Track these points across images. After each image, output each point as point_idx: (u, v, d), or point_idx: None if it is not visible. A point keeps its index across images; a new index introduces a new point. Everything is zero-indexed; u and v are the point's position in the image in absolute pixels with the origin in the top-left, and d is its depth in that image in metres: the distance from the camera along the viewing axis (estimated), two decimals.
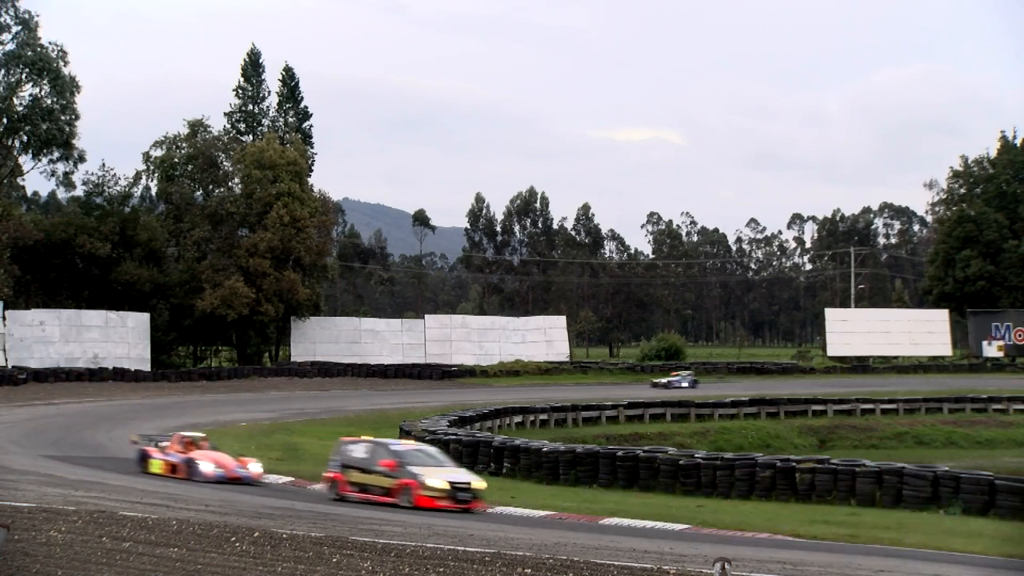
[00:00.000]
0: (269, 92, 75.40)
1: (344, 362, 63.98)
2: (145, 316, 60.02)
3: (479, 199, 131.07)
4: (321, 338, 66.75)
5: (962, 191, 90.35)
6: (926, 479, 22.24)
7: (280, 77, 77.05)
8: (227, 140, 69.55)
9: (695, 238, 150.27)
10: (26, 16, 61.78)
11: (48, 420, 35.59)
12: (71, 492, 18.26)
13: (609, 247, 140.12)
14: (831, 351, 75.22)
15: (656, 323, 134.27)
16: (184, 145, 67.70)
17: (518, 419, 38.55)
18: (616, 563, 12.47)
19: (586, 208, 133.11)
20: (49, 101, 62.04)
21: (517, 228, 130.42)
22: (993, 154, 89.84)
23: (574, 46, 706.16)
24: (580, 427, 39.73)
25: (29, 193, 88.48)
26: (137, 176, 69.00)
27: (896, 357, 74.81)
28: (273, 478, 23.59)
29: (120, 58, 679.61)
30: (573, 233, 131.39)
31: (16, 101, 61.96)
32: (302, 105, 77.18)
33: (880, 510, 21.79)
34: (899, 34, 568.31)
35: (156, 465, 23.11)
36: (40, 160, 64.14)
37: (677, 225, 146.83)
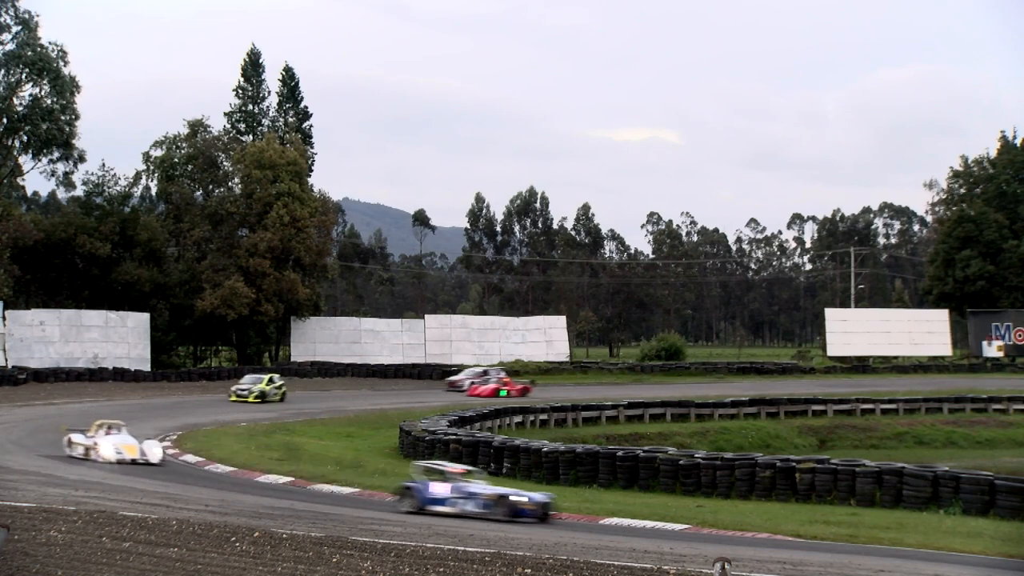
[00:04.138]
0: (269, 92, 75.44)
1: (344, 362, 63.97)
2: (145, 316, 59.99)
3: (479, 199, 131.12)
4: (321, 338, 66.74)
5: (962, 191, 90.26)
6: (926, 479, 22.24)
7: (280, 77, 77.09)
8: (227, 140, 69.53)
9: (695, 238, 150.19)
10: (26, 16, 61.78)
11: (48, 420, 35.52)
12: (71, 492, 18.26)
13: (609, 247, 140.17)
14: (831, 351, 75.19)
15: (656, 323, 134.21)
16: (184, 145, 67.69)
17: (518, 419, 38.54)
18: (616, 563, 12.49)
19: (586, 208, 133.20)
20: (49, 101, 62.00)
21: (517, 228, 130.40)
22: (993, 154, 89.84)
23: (574, 46, 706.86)
24: (580, 427, 39.70)
25: (29, 193, 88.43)
26: (137, 176, 69.02)
27: (896, 357, 74.78)
28: (273, 478, 23.59)
29: (120, 58, 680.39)
30: (573, 233, 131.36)
31: (16, 101, 61.93)
32: (302, 105, 77.19)
33: (880, 510, 21.79)
34: (898, 34, 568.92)
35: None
36: (40, 160, 64.13)
37: (677, 225, 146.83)
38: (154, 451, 25.13)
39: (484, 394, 49.21)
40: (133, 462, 24.42)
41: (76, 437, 25.78)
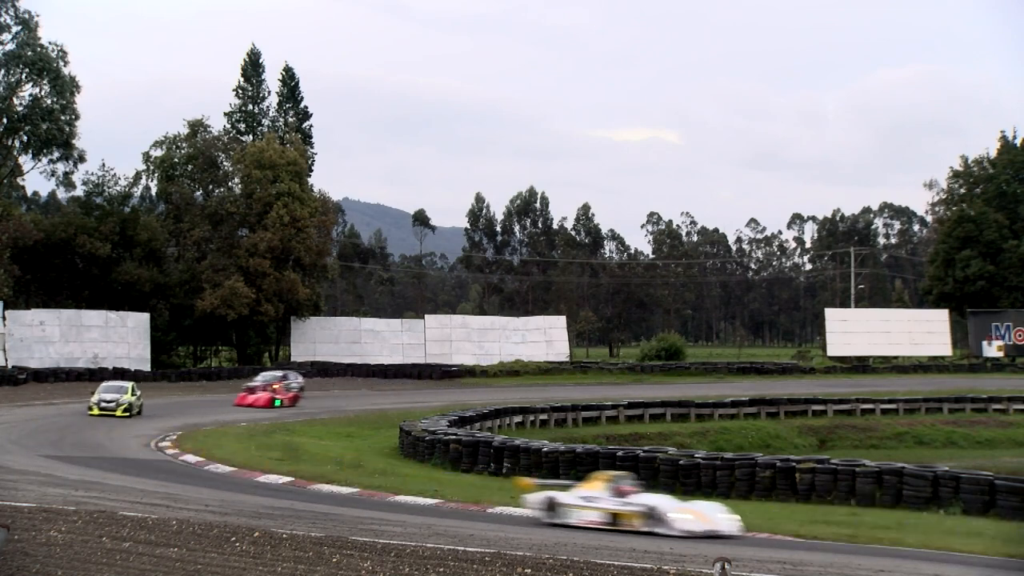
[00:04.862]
0: (269, 92, 75.49)
1: (344, 362, 63.98)
2: (145, 316, 60.00)
3: (479, 199, 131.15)
4: (321, 338, 66.75)
5: (962, 191, 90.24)
6: (926, 479, 22.24)
7: (280, 77, 77.12)
8: (227, 140, 69.55)
9: (695, 238, 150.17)
10: (26, 16, 61.79)
11: (48, 420, 35.57)
12: (71, 492, 18.25)
13: (609, 247, 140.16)
14: (831, 351, 75.16)
15: (656, 323, 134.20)
16: (184, 145, 67.72)
17: (518, 419, 38.53)
18: (616, 563, 12.48)
19: (586, 208, 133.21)
20: (49, 101, 62.01)
21: (517, 228, 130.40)
22: (993, 154, 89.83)
23: (574, 46, 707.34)
24: (580, 427, 39.70)
25: (29, 193, 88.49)
26: (137, 176, 69.09)
27: (896, 357, 74.73)
28: (273, 478, 23.60)
29: (120, 58, 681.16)
30: (573, 233, 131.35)
31: (16, 101, 61.93)
32: (302, 105, 77.22)
33: (880, 510, 21.80)
34: (898, 34, 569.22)
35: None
36: (40, 160, 64.15)
37: (677, 225, 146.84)
38: (724, 518, 17.41)
39: (258, 404, 42.58)
40: (717, 535, 16.88)
41: (566, 497, 18.26)
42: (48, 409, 39.96)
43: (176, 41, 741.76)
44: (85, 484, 19.90)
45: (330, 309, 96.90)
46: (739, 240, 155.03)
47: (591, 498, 18.07)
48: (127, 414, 37.42)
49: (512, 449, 26.80)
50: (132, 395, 38.52)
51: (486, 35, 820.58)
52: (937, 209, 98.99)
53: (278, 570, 12.47)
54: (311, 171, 72.27)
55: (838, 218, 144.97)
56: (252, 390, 44.47)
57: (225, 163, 67.67)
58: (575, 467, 25.51)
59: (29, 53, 60.79)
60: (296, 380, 47.58)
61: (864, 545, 16.47)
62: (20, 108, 61.90)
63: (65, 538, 13.70)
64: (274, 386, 44.50)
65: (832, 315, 78.93)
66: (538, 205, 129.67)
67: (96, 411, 37.35)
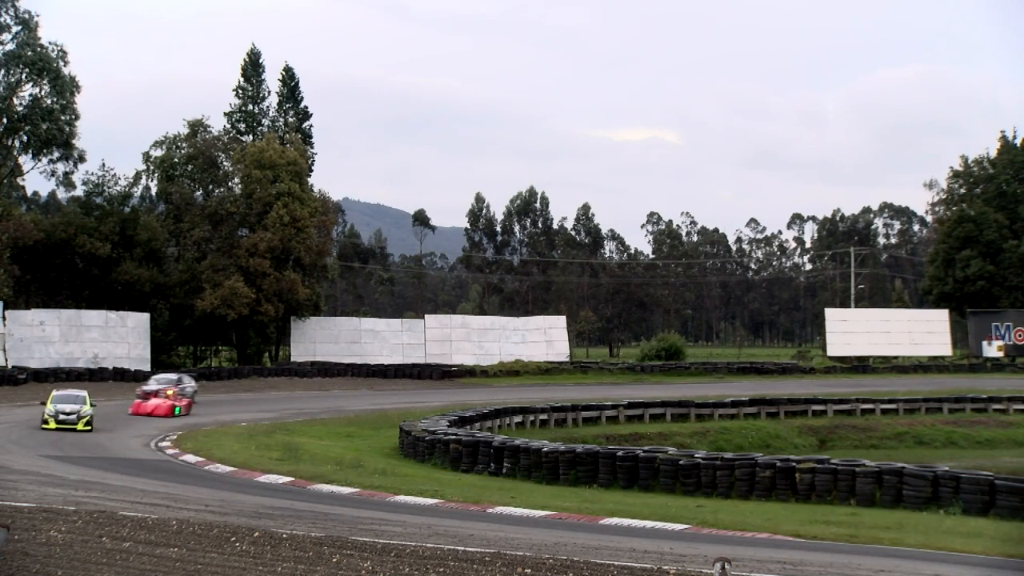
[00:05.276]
0: (269, 92, 75.39)
1: (344, 362, 63.96)
2: (145, 316, 59.97)
3: (479, 199, 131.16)
4: (321, 338, 66.72)
5: (962, 191, 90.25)
6: (926, 479, 22.24)
7: (280, 77, 77.04)
8: (227, 140, 69.50)
9: (695, 238, 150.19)
10: (26, 16, 61.77)
11: None
12: (71, 492, 18.26)
13: (609, 247, 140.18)
14: (831, 351, 75.16)
15: (656, 323, 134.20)
16: (184, 145, 67.67)
17: (518, 419, 38.54)
18: (616, 563, 12.49)
19: (586, 208, 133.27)
20: (49, 101, 61.98)
21: (517, 228, 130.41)
22: (993, 154, 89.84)
23: (574, 46, 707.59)
24: (580, 427, 39.71)
25: (29, 193, 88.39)
26: (137, 176, 69.01)
27: (896, 357, 74.73)
28: (273, 478, 23.60)
29: (120, 58, 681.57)
30: (573, 233, 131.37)
31: (16, 101, 61.89)
32: (302, 105, 77.15)
33: (880, 510, 21.80)
34: (898, 34, 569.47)
35: None
36: (40, 160, 64.11)
37: (677, 225, 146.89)
38: None
39: (158, 413, 38.39)
40: None
41: None
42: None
43: (176, 41, 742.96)
44: (85, 484, 19.90)
45: (330, 309, 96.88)
46: (739, 240, 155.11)
47: None
48: (88, 428, 33.25)
49: (512, 449, 26.81)
50: (89, 406, 34.14)
51: (486, 35, 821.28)
52: (937, 209, 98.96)
53: (278, 570, 12.47)
54: (311, 171, 72.25)
55: (838, 218, 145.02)
56: (147, 396, 40.39)
57: (225, 163, 67.63)
58: (575, 467, 25.55)
59: (29, 53, 60.76)
60: (190, 384, 44.37)
61: (864, 545, 16.46)
62: (20, 108, 61.87)
63: (65, 538, 13.71)
64: (168, 392, 40.51)
65: (832, 315, 78.90)
66: (538, 205, 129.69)
67: (53, 424, 32.98)
